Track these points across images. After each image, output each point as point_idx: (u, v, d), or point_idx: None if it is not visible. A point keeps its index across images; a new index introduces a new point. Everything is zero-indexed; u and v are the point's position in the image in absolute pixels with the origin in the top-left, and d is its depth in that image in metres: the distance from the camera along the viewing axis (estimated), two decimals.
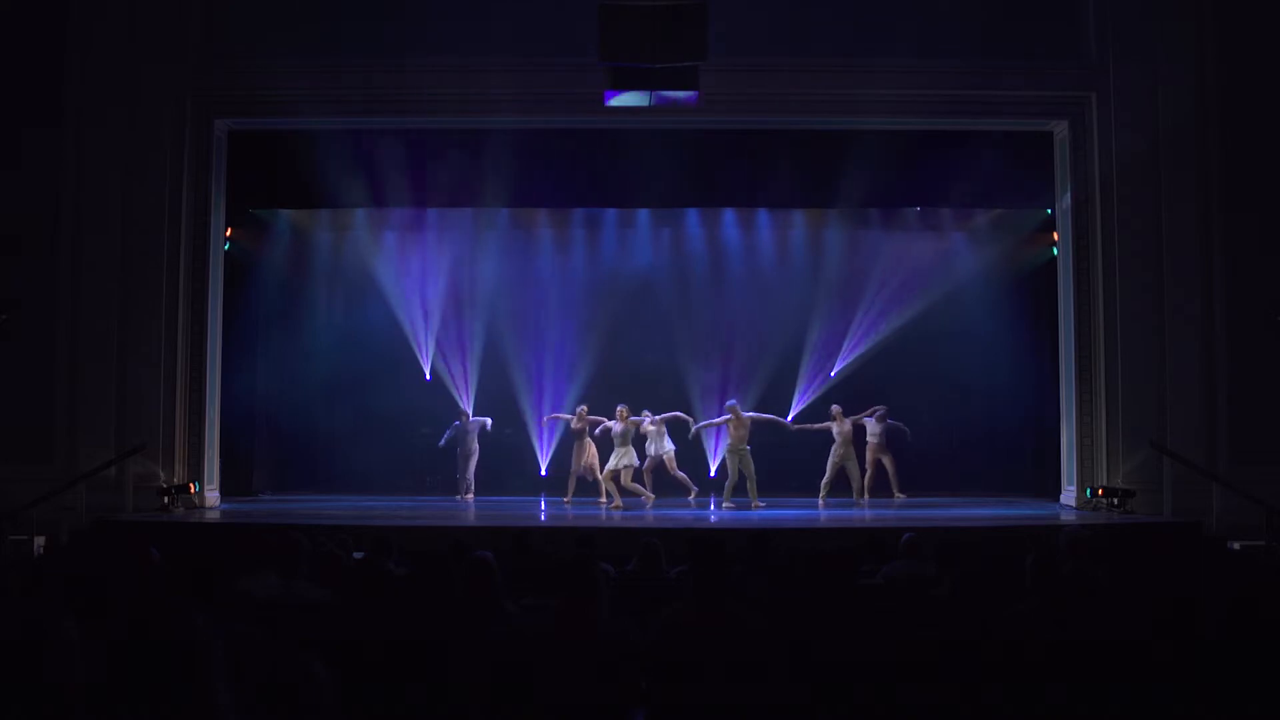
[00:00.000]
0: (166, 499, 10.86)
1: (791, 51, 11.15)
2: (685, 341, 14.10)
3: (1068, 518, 10.72)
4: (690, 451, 12.93)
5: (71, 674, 2.21)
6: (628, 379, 13.68)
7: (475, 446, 12.99)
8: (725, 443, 12.04)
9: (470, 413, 13.38)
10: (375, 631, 3.96)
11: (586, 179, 12.35)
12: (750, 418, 11.97)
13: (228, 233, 12.03)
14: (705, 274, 14.41)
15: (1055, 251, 12.13)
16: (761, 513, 11.25)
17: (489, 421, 13.26)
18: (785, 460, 12.99)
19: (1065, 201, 11.67)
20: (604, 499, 12.00)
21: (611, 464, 11.80)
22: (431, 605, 4.29)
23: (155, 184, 11.22)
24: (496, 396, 13.99)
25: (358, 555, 6.22)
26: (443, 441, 13.16)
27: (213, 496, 11.52)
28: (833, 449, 12.32)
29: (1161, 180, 11.18)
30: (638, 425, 12.06)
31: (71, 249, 11.11)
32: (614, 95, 9.85)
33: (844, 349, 14.10)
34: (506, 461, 13.72)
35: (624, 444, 11.80)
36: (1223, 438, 11.00)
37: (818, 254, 14.32)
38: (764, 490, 11.88)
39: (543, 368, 14.09)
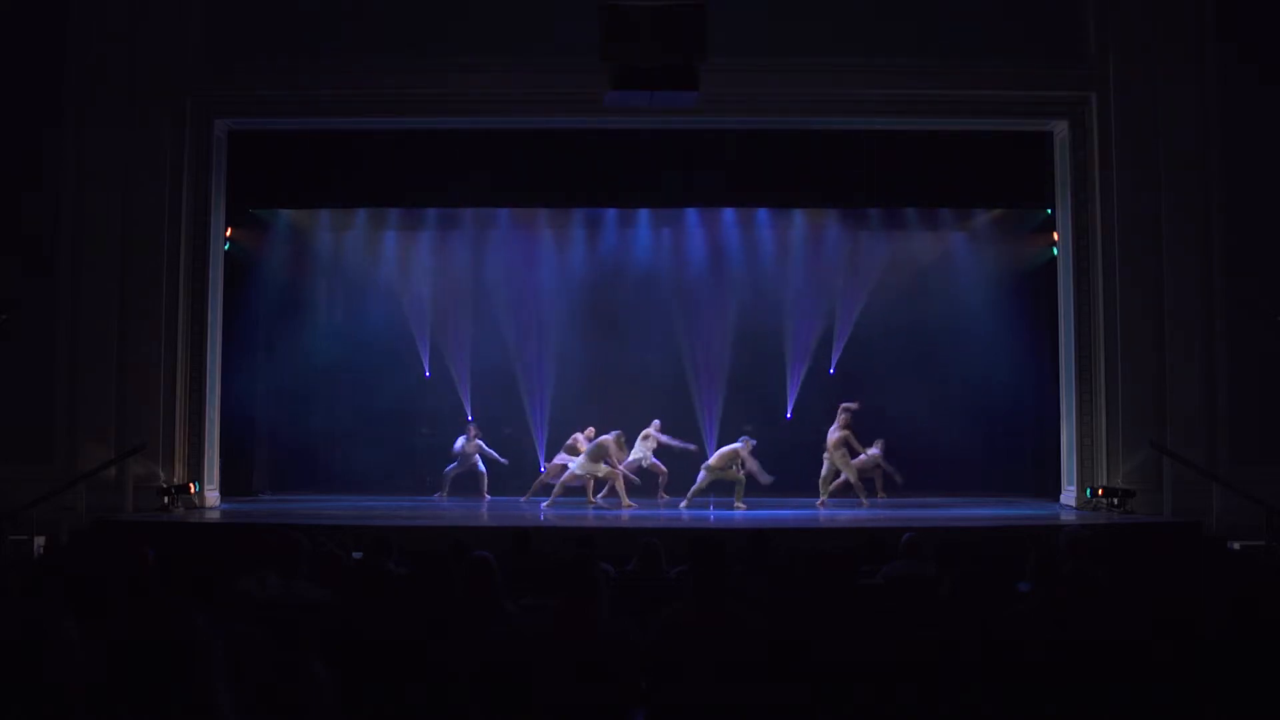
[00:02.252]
0: (166, 499, 10.86)
1: (791, 51, 11.13)
2: (685, 340, 14.10)
3: (1068, 518, 10.71)
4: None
5: (71, 674, 2.21)
6: (627, 377, 13.72)
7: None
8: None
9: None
10: (375, 631, 3.96)
11: (586, 179, 12.32)
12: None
13: (228, 233, 12.02)
14: (705, 273, 14.39)
15: (1055, 251, 12.12)
16: (761, 513, 11.25)
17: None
18: (785, 461, 12.98)
19: (1065, 201, 11.65)
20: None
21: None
22: (431, 605, 4.29)
23: (155, 184, 11.21)
24: (496, 396, 14.00)
25: (357, 555, 6.23)
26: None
27: (213, 496, 11.52)
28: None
29: (1161, 180, 11.17)
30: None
31: (71, 249, 11.10)
32: (614, 95, 9.84)
33: (843, 349, 14.10)
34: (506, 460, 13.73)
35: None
36: (1223, 438, 10.99)
37: (818, 254, 14.31)
38: (768, 491, 11.98)
39: (542, 367, 14.08)
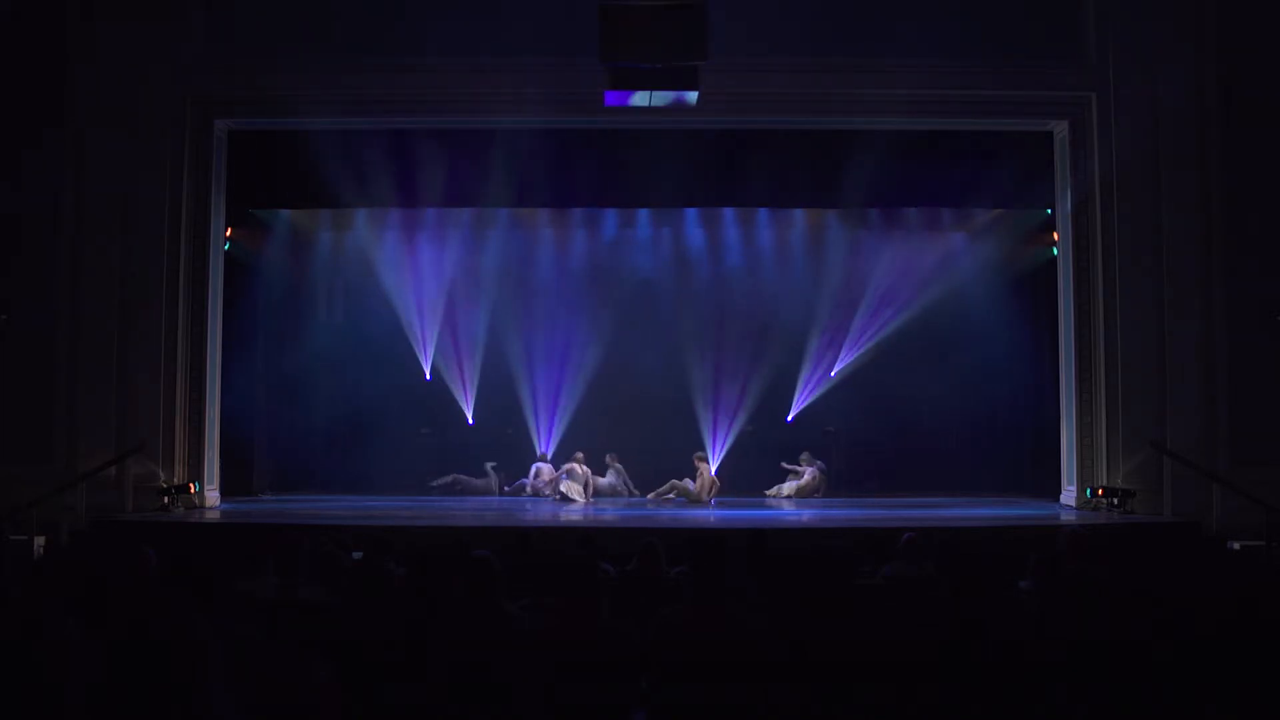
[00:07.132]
0: (166, 499, 10.86)
1: (792, 51, 11.14)
2: (685, 341, 14.12)
3: (1068, 518, 10.71)
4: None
5: (71, 674, 2.21)
6: (626, 377, 13.72)
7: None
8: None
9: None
10: (375, 631, 3.96)
11: (586, 179, 12.31)
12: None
13: (228, 233, 12.02)
14: (705, 274, 14.42)
15: (1055, 251, 12.12)
16: (761, 513, 11.27)
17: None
18: (783, 459, 13.03)
19: (1065, 201, 11.65)
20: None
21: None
22: (431, 605, 4.29)
23: (155, 184, 11.21)
24: (496, 396, 14.01)
25: (357, 555, 6.22)
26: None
27: (213, 496, 11.52)
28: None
29: (1161, 180, 11.17)
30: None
31: (71, 249, 11.11)
32: (614, 95, 9.84)
33: (844, 349, 14.11)
34: (506, 461, 13.73)
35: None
36: (1223, 438, 10.99)
37: (818, 254, 14.32)
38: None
39: (542, 367, 14.10)
